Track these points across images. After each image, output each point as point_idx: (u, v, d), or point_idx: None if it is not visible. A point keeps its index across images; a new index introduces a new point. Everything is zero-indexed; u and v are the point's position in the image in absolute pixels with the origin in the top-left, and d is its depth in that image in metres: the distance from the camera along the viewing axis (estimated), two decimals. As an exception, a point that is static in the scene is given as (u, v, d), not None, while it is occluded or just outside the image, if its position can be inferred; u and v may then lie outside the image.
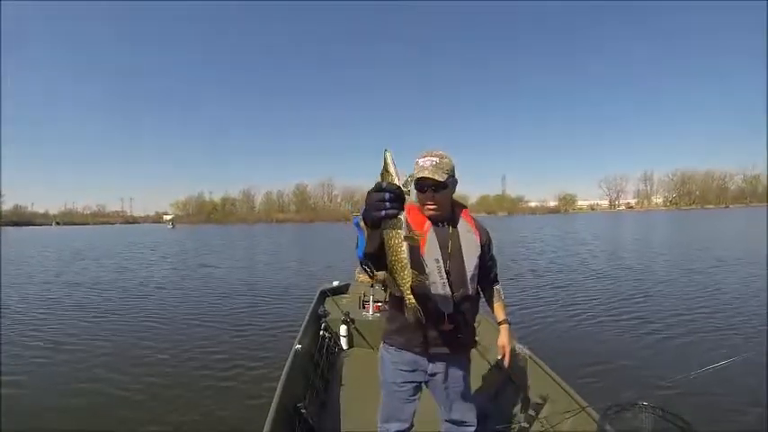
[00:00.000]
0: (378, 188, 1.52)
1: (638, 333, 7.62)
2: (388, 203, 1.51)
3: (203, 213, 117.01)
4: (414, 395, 2.31)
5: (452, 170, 2.08)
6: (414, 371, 2.26)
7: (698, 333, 7.55)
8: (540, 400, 3.35)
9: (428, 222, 2.14)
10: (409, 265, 1.68)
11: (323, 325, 5.15)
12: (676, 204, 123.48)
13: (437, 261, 2.08)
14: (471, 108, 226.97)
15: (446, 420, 2.43)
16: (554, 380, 3.39)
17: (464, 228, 2.17)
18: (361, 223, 1.70)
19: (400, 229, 1.59)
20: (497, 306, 2.43)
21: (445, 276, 2.08)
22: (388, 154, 1.55)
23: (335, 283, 6.61)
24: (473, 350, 4.83)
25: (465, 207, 2.27)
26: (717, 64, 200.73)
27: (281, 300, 10.55)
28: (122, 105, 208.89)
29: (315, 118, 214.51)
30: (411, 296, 1.74)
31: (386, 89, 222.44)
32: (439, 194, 2.06)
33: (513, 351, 2.29)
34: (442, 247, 2.10)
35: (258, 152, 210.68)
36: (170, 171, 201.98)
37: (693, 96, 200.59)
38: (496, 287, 2.43)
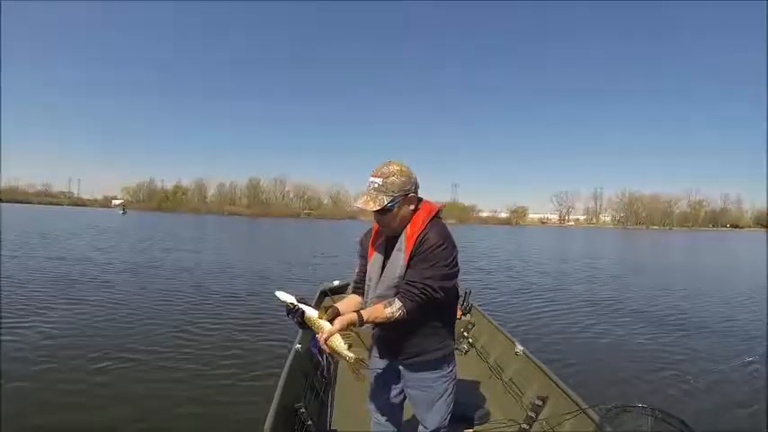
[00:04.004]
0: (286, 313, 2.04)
1: (639, 335, 8.04)
2: (293, 317, 2.01)
3: (154, 200, 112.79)
4: (387, 383, 2.42)
5: (401, 188, 2.05)
6: (386, 363, 2.40)
7: (697, 336, 8.08)
8: (539, 402, 3.40)
9: (382, 238, 2.26)
10: (338, 338, 1.97)
11: None
12: (623, 223, 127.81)
13: (370, 279, 2.24)
14: (427, 112, 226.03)
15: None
16: (554, 381, 3.45)
17: (400, 244, 2.14)
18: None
19: (313, 325, 2.00)
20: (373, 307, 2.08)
21: (373, 292, 2.21)
22: (277, 293, 2.09)
23: (336, 283, 6.54)
24: (471, 352, 4.97)
25: (427, 209, 2.19)
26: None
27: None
28: (71, 78, 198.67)
29: (268, 115, 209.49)
30: (352, 355, 2.00)
31: (341, 91, 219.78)
32: (385, 217, 2.10)
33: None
34: (383, 262, 2.22)
35: (212, 144, 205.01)
36: (118, 155, 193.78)
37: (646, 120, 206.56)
38: (394, 300, 2.05)
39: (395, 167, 2.07)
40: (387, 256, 2.20)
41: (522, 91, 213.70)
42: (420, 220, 2.13)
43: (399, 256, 2.12)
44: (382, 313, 2.01)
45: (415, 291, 2.03)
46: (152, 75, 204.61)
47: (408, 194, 2.09)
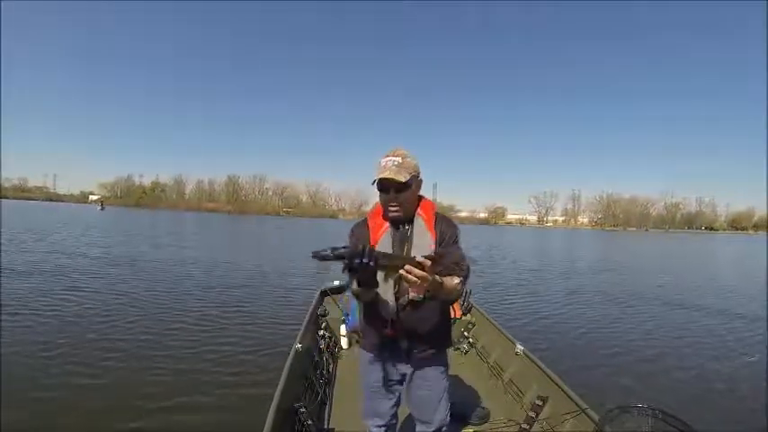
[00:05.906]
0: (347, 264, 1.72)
1: (639, 336, 8.14)
2: (359, 263, 1.69)
3: (132, 196, 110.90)
4: (389, 394, 2.36)
5: (416, 169, 2.10)
6: (384, 370, 2.32)
7: (697, 336, 8.24)
8: (539, 402, 3.41)
9: (386, 225, 2.18)
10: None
11: (323, 324, 5.14)
12: (601, 225, 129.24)
13: None
14: (406, 112, 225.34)
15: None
16: (554, 381, 3.47)
17: (420, 228, 2.13)
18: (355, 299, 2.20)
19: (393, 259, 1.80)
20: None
21: (391, 281, 2.09)
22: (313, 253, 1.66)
23: (336, 283, 6.51)
24: (471, 352, 5.01)
25: (430, 202, 2.25)
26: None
27: (280, 299, 10.34)
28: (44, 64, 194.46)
29: (249, 115, 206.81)
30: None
31: (321, 90, 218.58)
32: (402, 195, 2.07)
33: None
34: (396, 249, 2.13)
35: (191, 141, 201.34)
36: (95, 149, 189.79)
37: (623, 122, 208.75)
38: (453, 276, 1.98)
39: (405, 151, 2.10)
40: (395, 246, 2.15)
41: (500, 91, 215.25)
42: (431, 208, 2.20)
43: (425, 238, 2.10)
44: (453, 284, 1.96)
45: (465, 270, 2.05)
46: (134, 72, 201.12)
47: (419, 177, 2.14)
